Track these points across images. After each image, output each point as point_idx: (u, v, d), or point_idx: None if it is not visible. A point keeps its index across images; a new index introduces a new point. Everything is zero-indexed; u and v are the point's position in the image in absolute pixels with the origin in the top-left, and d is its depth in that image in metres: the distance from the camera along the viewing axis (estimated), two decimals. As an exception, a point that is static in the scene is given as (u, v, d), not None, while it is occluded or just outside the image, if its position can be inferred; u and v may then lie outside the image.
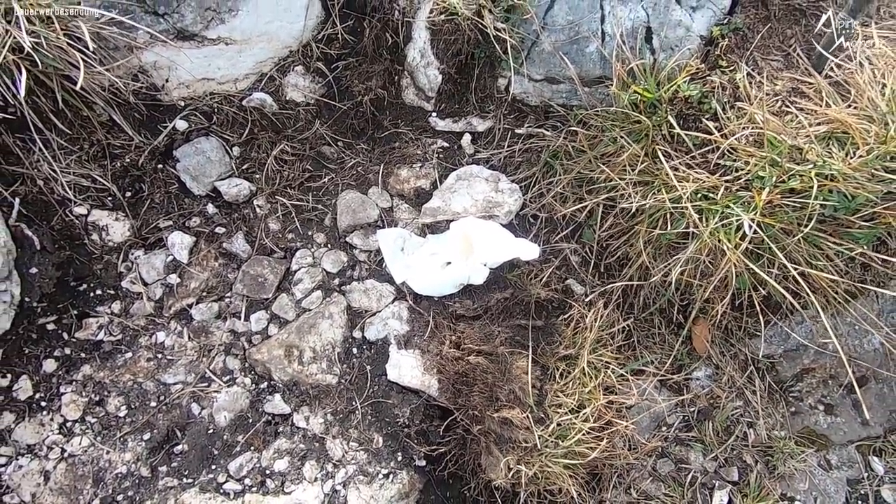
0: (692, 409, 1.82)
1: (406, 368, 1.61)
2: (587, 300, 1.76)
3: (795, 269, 1.43)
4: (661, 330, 1.84)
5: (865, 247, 1.48)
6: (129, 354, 1.60)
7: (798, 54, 1.57)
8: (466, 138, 1.91)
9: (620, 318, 1.78)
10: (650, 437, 1.77)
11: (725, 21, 1.62)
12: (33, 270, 1.52)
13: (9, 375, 1.50)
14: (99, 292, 1.63)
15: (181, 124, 1.76)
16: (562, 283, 1.77)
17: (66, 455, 1.47)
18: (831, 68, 1.55)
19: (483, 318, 1.69)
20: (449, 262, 1.70)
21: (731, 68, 1.56)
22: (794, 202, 1.45)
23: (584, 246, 1.82)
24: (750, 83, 1.55)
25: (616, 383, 1.67)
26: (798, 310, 1.69)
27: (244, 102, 1.82)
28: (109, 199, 1.68)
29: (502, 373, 1.59)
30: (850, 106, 1.50)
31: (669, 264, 1.63)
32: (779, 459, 1.78)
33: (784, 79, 1.54)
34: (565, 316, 1.73)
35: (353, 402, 1.62)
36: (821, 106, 1.50)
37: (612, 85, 1.64)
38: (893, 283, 1.75)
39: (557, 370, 1.65)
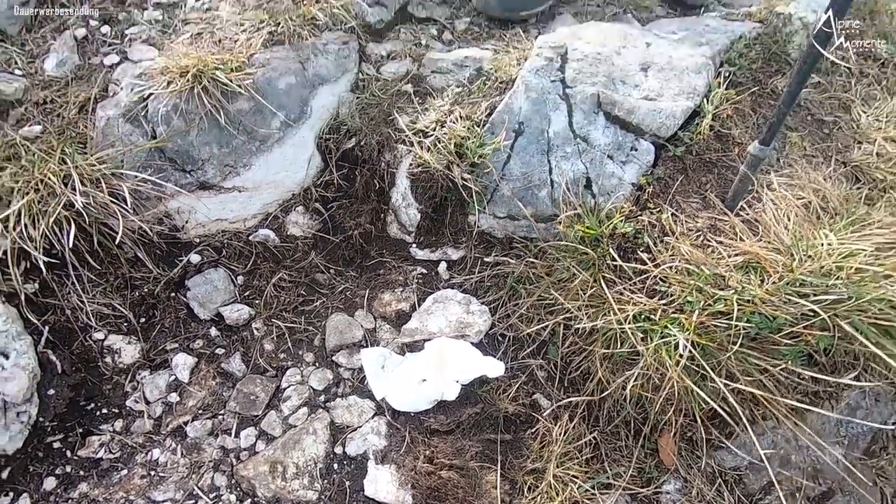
0: (665, 525, 1.85)
1: (382, 483, 1.71)
2: (553, 414, 1.89)
3: (727, 385, 1.59)
4: (627, 442, 1.93)
5: (791, 363, 1.65)
6: (125, 472, 1.71)
7: (713, 197, 1.88)
8: (442, 266, 2.18)
9: (587, 430, 1.89)
10: (624, 555, 1.79)
11: (650, 172, 1.96)
12: (51, 392, 1.70)
13: (11, 494, 1.61)
14: (105, 411, 1.79)
15: (195, 258, 2.05)
16: (529, 398, 1.92)
17: (51, 576, 1.53)
18: (742, 208, 1.85)
19: (455, 433, 1.81)
20: (424, 380, 1.87)
21: (658, 209, 1.87)
22: (723, 323, 1.65)
23: (549, 362, 2.00)
24: (674, 221, 1.83)
25: (583, 498, 1.74)
26: (746, 428, 1.80)
27: (250, 238, 2.13)
28: (125, 324, 1.91)
29: (472, 487, 1.68)
30: (760, 240, 1.77)
31: (625, 379, 1.79)
32: (755, 579, 1.77)
33: (703, 217, 1.83)
34: (532, 430, 1.85)
35: (331, 519, 1.69)
36: (735, 240, 1.77)
37: (562, 223, 1.93)
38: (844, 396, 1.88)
39: (525, 484, 1.73)
